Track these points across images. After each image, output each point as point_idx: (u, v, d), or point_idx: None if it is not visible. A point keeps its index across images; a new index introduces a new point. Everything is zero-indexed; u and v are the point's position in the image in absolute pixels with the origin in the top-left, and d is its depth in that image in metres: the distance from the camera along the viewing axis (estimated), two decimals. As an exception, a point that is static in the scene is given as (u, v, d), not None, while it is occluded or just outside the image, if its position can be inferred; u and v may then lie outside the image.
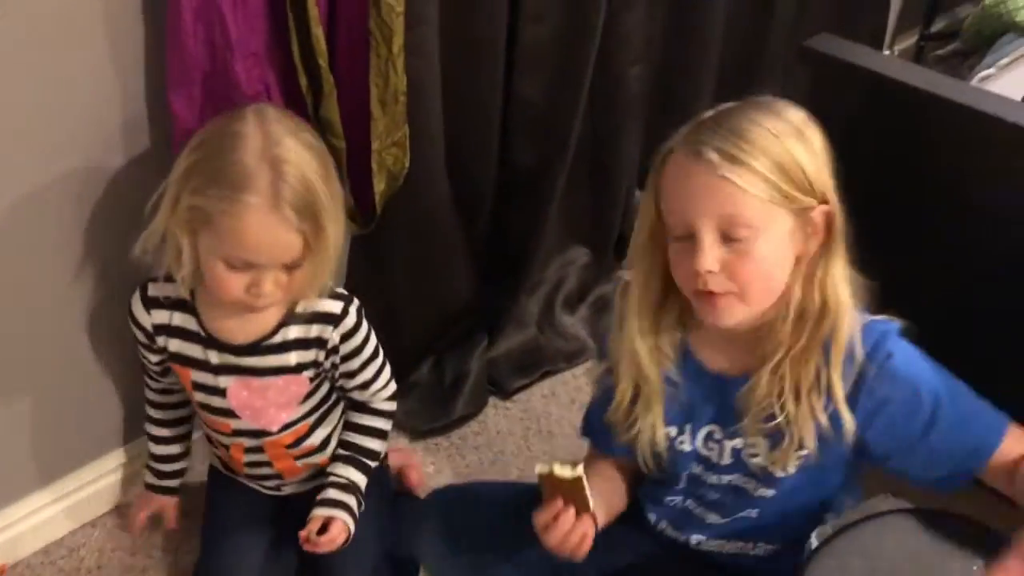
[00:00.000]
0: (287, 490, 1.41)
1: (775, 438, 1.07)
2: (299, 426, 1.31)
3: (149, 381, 1.37)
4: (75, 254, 1.34)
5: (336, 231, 1.14)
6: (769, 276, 1.02)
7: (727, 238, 0.99)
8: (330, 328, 1.23)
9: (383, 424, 1.37)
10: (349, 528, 1.29)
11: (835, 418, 1.04)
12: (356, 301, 1.26)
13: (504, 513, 1.30)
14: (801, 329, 1.03)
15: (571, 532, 1.06)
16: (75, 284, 1.36)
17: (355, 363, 1.29)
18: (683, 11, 1.98)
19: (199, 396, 1.28)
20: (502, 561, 1.27)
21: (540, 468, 1.04)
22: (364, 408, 1.37)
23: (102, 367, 1.46)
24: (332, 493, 1.31)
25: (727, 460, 1.14)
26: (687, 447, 1.15)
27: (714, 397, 1.12)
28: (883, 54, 2.52)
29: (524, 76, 1.70)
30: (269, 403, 1.27)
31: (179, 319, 1.23)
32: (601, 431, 1.20)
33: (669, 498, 1.20)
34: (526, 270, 1.93)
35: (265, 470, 1.36)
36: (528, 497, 1.32)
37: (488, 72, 1.64)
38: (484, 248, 1.88)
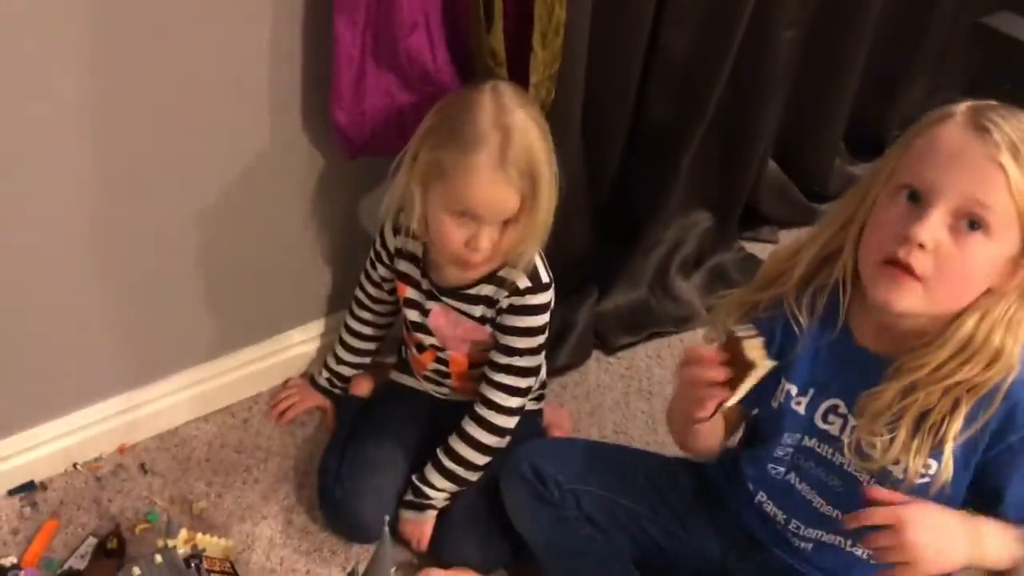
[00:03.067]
0: (452, 398, 1.53)
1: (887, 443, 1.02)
2: (480, 359, 1.43)
3: (368, 288, 1.53)
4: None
5: (549, 201, 1.25)
6: (967, 282, 0.96)
7: (955, 225, 0.94)
8: (505, 294, 1.34)
9: (481, 435, 1.40)
10: (416, 525, 1.41)
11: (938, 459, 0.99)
12: (549, 292, 1.36)
13: (592, 464, 1.33)
14: (954, 362, 0.97)
15: (709, 386, 0.99)
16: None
17: (505, 338, 1.37)
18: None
19: (408, 311, 1.45)
20: (583, 520, 1.30)
21: (743, 332, 0.97)
22: (480, 401, 1.40)
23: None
24: (409, 496, 1.43)
25: (845, 438, 1.10)
26: (801, 411, 1.13)
27: (851, 373, 1.08)
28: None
29: (672, 28, 1.66)
30: (458, 337, 1.42)
31: (412, 246, 1.40)
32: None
33: (772, 466, 1.19)
34: (645, 229, 1.91)
35: (443, 380, 1.52)
36: (614, 455, 1.34)
37: (636, 21, 1.60)
38: (606, 202, 1.86)
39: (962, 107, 0.97)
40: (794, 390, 1.13)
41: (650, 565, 1.33)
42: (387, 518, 1.07)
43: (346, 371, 1.63)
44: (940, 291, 0.96)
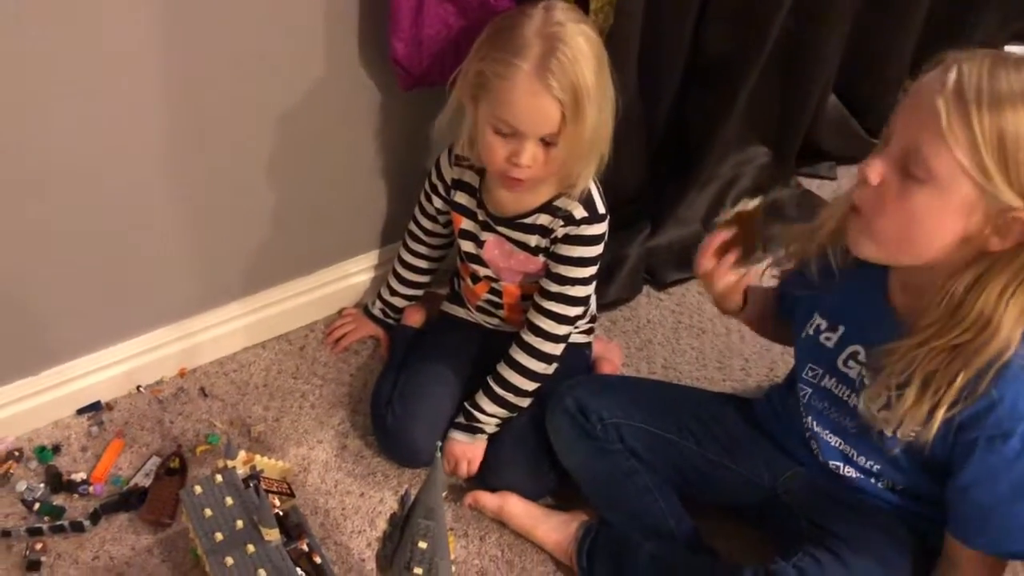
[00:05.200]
0: (504, 329, 1.55)
1: (890, 401, 1.05)
2: (534, 290, 1.43)
3: (422, 221, 1.54)
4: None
5: (597, 122, 1.22)
6: (907, 228, 0.96)
7: (904, 167, 0.94)
8: (561, 223, 1.34)
9: (528, 362, 1.41)
10: (465, 447, 1.43)
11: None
12: (604, 224, 1.35)
13: (636, 399, 1.35)
14: (947, 326, 0.97)
15: (731, 278, 1.18)
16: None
17: (558, 267, 1.37)
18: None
19: (463, 242, 1.47)
20: (626, 453, 1.33)
21: (720, 218, 1.15)
22: (528, 328, 1.41)
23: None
24: (461, 419, 1.45)
25: (859, 385, 1.13)
26: (830, 345, 1.16)
27: (876, 327, 1.10)
28: None
29: (733, -43, 1.62)
30: (512, 268, 1.43)
31: (468, 177, 1.41)
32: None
33: (803, 392, 1.22)
34: (700, 163, 1.88)
35: (495, 311, 1.54)
36: (658, 390, 1.36)
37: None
38: (661, 135, 1.83)
39: (964, 54, 0.94)
40: (824, 324, 1.17)
41: (694, 494, 1.36)
42: (439, 444, 1.09)
43: (399, 302, 1.65)
44: (880, 232, 0.98)
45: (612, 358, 1.65)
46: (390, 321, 1.67)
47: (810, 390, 1.21)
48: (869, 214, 0.98)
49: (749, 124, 1.92)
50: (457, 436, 1.44)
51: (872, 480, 1.20)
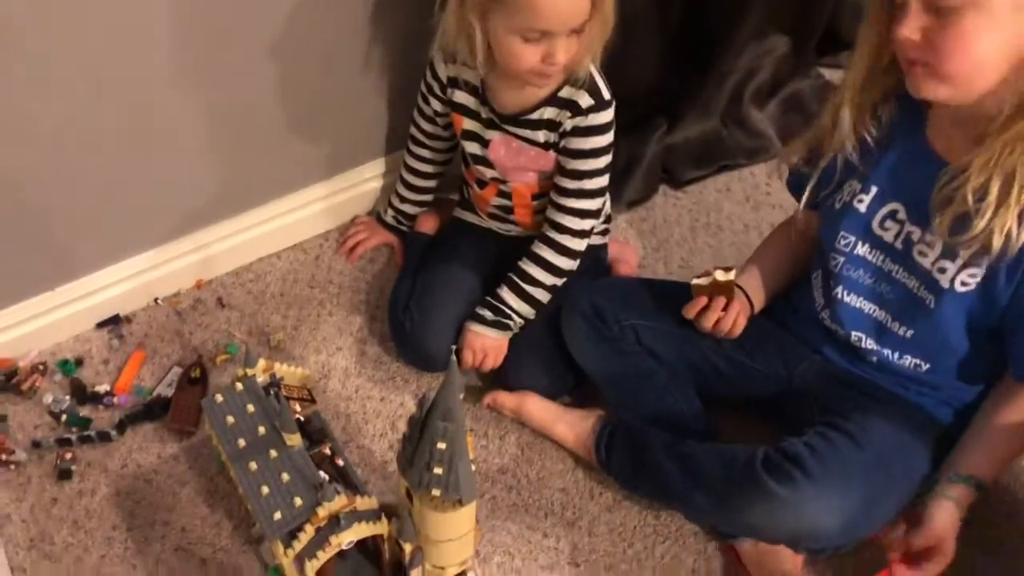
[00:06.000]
0: (515, 232, 1.54)
1: (953, 246, 1.06)
2: (544, 189, 1.43)
3: (422, 123, 1.51)
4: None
5: (612, 5, 1.21)
6: (969, 52, 0.96)
7: (934, 6, 0.95)
8: (568, 115, 1.31)
9: (554, 258, 1.40)
10: (484, 340, 1.42)
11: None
12: (611, 110, 1.32)
13: (652, 300, 1.35)
14: (1020, 113, 0.98)
15: (725, 317, 1.24)
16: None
17: (572, 162, 1.34)
18: None
19: (466, 144, 1.43)
20: (644, 354, 1.33)
21: (697, 281, 1.25)
22: (550, 226, 1.40)
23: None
24: (479, 309, 1.43)
25: (898, 246, 1.14)
26: (863, 209, 1.16)
27: (918, 175, 1.10)
28: None
29: None
30: (520, 166, 1.40)
31: (468, 75, 1.36)
32: (798, 180, 1.27)
33: (831, 279, 1.22)
34: (718, 55, 1.82)
35: (507, 215, 1.52)
36: (674, 290, 1.36)
37: None
38: (676, 27, 1.77)
39: None
40: (858, 187, 1.17)
41: (710, 391, 1.36)
42: (453, 348, 1.09)
43: (410, 209, 1.64)
44: (948, 69, 0.98)
45: (628, 259, 1.64)
46: (403, 228, 1.66)
47: (842, 259, 1.20)
48: (931, 60, 0.99)
49: (768, 13, 1.84)
50: (482, 330, 1.42)
51: (897, 356, 1.20)
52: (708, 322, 1.26)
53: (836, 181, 1.21)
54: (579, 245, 1.40)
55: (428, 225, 1.65)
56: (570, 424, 1.40)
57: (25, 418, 1.42)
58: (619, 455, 1.33)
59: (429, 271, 1.52)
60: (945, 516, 1.11)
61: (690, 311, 1.27)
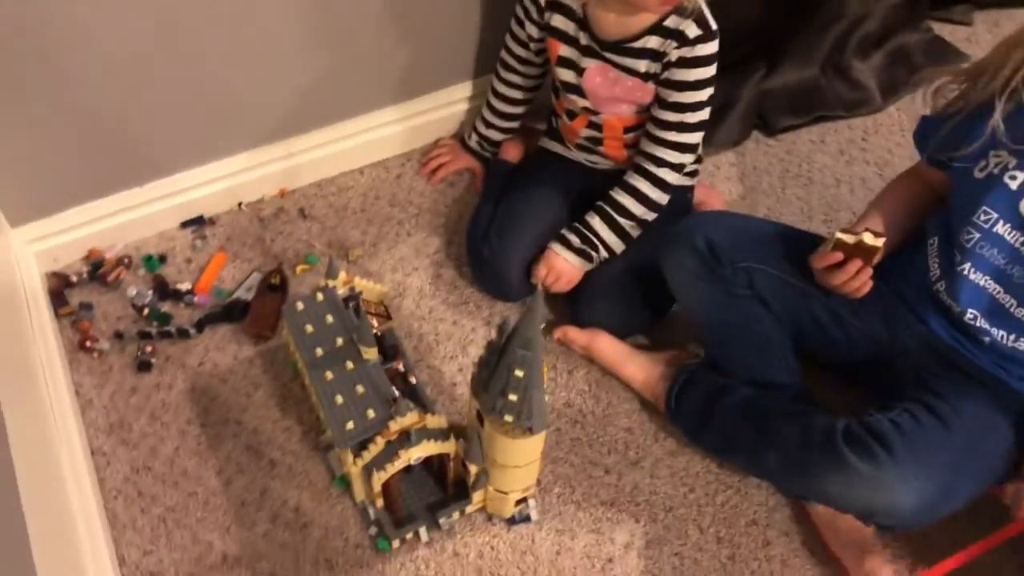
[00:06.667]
0: (602, 165, 1.51)
1: None
2: (636, 121, 1.39)
3: (515, 48, 1.47)
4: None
5: None
6: None
7: None
8: (674, 45, 1.27)
9: (648, 190, 1.38)
10: (564, 264, 1.40)
11: None
12: (716, 42, 1.28)
13: (772, 244, 1.30)
14: None
15: (855, 279, 1.16)
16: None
17: (675, 95, 1.31)
18: None
19: (560, 71, 1.39)
20: (753, 299, 1.29)
21: (843, 236, 1.14)
22: (646, 158, 1.37)
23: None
24: (566, 232, 1.41)
25: None
26: (1013, 187, 1.08)
27: None
28: None
29: None
30: (615, 97, 1.36)
31: None
32: (931, 131, 1.19)
33: (956, 251, 1.15)
34: (825, 1, 1.74)
35: (595, 147, 1.48)
36: (793, 236, 1.31)
37: None
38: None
39: None
40: (1012, 161, 1.08)
41: (806, 348, 1.32)
42: (533, 273, 1.08)
43: (495, 135, 1.62)
44: None
45: (713, 204, 1.60)
46: (486, 154, 1.64)
47: (978, 235, 1.12)
48: None
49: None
50: (564, 253, 1.40)
51: (1013, 339, 1.14)
52: (836, 280, 1.18)
53: (978, 146, 1.11)
54: (674, 179, 1.38)
55: (512, 153, 1.63)
56: (640, 365, 1.39)
57: (109, 309, 1.46)
58: (690, 404, 1.31)
59: (511, 199, 1.50)
60: None
61: (821, 261, 1.18)
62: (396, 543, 1.23)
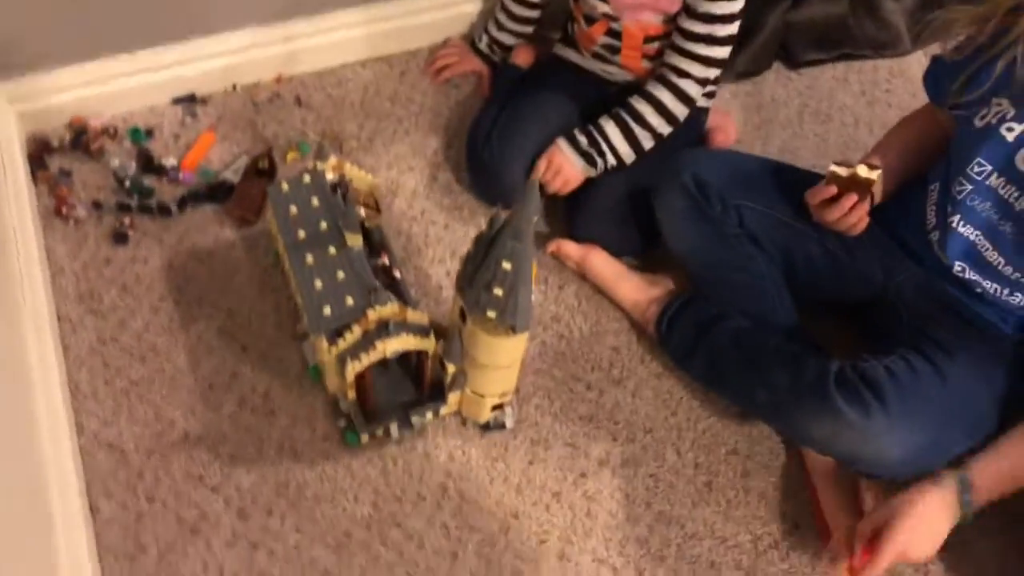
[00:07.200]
0: (616, 77, 1.44)
1: None
2: (659, 31, 1.33)
3: None
4: None
5: None
6: None
7: None
8: None
9: (670, 102, 1.32)
10: (566, 162, 1.35)
11: None
12: None
13: (763, 181, 1.25)
14: None
15: (850, 215, 1.11)
16: None
17: (705, 4, 1.24)
18: None
19: None
20: (744, 238, 1.24)
21: (837, 169, 1.09)
22: (670, 70, 1.31)
23: None
24: (576, 132, 1.35)
25: None
26: (1010, 139, 1.03)
27: None
28: None
29: None
30: (638, 3, 1.29)
31: None
32: (941, 73, 1.13)
33: (948, 202, 1.10)
34: (864, -69, 1.67)
35: (612, 56, 1.41)
36: (785, 172, 1.25)
37: None
38: None
39: None
40: (1011, 111, 1.03)
41: (801, 287, 1.27)
42: (534, 180, 1.03)
43: (506, 39, 1.54)
44: None
45: (727, 130, 1.54)
46: (496, 58, 1.57)
47: (969, 187, 1.07)
48: None
49: None
50: (569, 152, 1.35)
51: (1006, 292, 1.10)
52: (831, 216, 1.13)
53: (982, 92, 1.06)
54: (696, 92, 1.32)
55: (523, 58, 1.56)
56: (633, 287, 1.35)
57: (89, 178, 1.40)
58: (682, 330, 1.27)
59: (518, 104, 1.44)
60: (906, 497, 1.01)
61: (815, 196, 1.14)
62: (365, 438, 1.19)
